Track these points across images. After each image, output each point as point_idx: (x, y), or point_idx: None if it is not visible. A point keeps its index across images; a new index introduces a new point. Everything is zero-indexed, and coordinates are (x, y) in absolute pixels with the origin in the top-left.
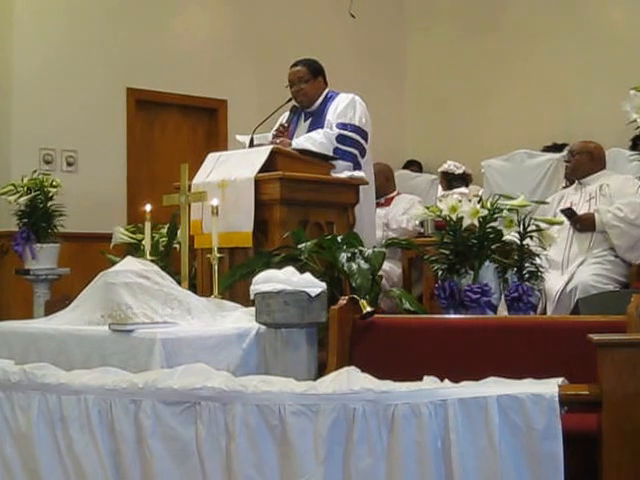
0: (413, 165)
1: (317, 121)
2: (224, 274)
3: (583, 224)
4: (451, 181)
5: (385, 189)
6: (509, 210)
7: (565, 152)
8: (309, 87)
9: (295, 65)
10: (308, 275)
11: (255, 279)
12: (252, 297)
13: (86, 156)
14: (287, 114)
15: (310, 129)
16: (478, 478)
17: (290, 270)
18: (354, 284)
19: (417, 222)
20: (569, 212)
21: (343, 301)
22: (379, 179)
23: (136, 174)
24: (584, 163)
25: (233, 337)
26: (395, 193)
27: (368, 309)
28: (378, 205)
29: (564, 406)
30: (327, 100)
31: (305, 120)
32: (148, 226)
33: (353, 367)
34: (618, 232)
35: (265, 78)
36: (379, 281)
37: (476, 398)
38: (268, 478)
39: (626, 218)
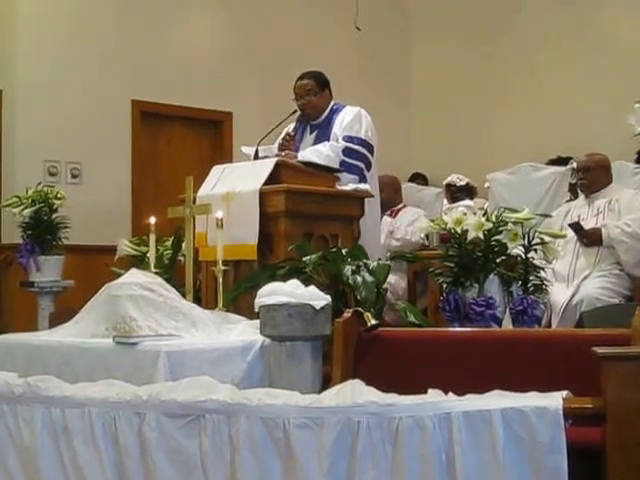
0: (418, 178)
1: (323, 133)
2: (229, 287)
3: (590, 239)
4: (455, 193)
5: (393, 200)
6: (514, 223)
7: (571, 166)
8: (317, 100)
9: (302, 78)
10: (313, 288)
11: (260, 292)
12: (257, 310)
13: (91, 168)
14: (293, 124)
15: (316, 142)
16: None
17: (295, 283)
18: (359, 297)
19: (422, 235)
20: (576, 226)
21: (348, 314)
22: (388, 191)
23: (141, 186)
24: (600, 178)
25: (237, 350)
26: (402, 205)
27: (373, 322)
28: (385, 216)
29: (568, 419)
30: (333, 112)
31: (311, 133)
32: (153, 238)
33: (357, 380)
34: (626, 247)
35: (270, 90)
36: (384, 294)
37: (480, 411)
38: None
39: (634, 233)
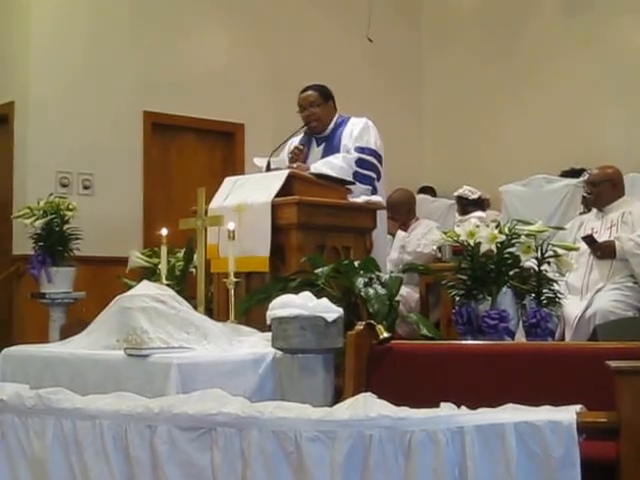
0: (427, 191)
1: (330, 146)
2: (240, 299)
3: (603, 252)
4: (466, 206)
5: (407, 221)
6: (527, 236)
7: (583, 178)
8: (321, 111)
9: (305, 90)
10: (325, 300)
11: (272, 304)
12: (268, 322)
13: (102, 179)
14: (301, 137)
15: (324, 154)
16: None
17: (307, 295)
18: (371, 309)
19: (435, 247)
20: (589, 239)
21: (360, 326)
22: (402, 213)
23: (152, 198)
24: (607, 192)
25: (249, 362)
26: (413, 219)
27: (385, 335)
28: (399, 230)
29: (582, 433)
30: (339, 125)
31: (318, 145)
32: (164, 250)
33: (370, 393)
34: (639, 260)
35: (282, 102)
36: (396, 306)
37: (493, 425)
38: None
39: None
